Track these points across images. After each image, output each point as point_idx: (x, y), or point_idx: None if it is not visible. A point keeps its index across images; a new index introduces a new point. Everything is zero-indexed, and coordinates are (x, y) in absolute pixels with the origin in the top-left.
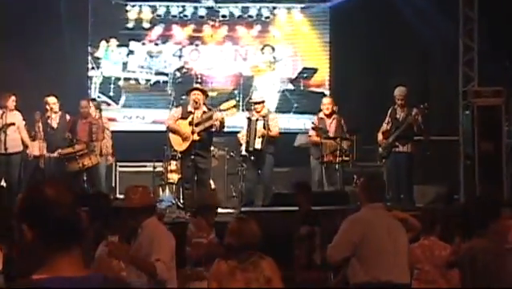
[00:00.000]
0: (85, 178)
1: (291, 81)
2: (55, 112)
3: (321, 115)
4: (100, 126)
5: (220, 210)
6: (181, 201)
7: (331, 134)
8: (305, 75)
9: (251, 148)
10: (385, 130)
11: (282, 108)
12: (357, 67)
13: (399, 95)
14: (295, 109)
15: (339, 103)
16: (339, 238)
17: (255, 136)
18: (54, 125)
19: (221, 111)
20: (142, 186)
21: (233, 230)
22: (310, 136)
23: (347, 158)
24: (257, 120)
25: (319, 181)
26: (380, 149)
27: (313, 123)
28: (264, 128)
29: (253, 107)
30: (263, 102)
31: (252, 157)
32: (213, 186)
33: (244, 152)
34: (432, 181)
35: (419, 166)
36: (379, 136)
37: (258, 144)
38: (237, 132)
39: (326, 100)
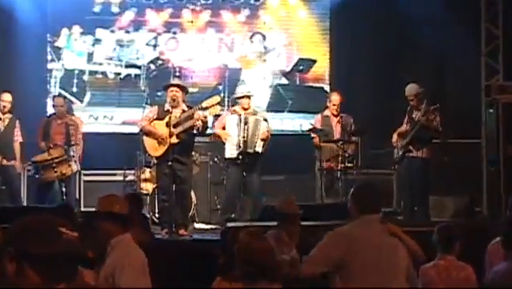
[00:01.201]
0: (64, 189)
1: (285, 74)
2: (5, 113)
3: (326, 112)
4: (77, 127)
5: (201, 226)
6: (157, 215)
7: (337, 136)
8: (301, 67)
9: (250, 150)
10: (403, 131)
11: (275, 106)
12: (362, 59)
13: (409, 95)
14: (290, 107)
15: (341, 102)
16: (316, 250)
17: (257, 136)
18: (1, 128)
19: (203, 109)
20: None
21: (245, 248)
22: (313, 138)
23: (350, 164)
24: (259, 119)
25: (320, 192)
26: (395, 152)
27: (311, 124)
28: (266, 129)
29: (239, 103)
30: (250, 96)
31: (241, 161)
32: (193, 198)
33: (231, 155)
34: (450, 191)
35: (435, 174)
36: (394, 137)
37: (259, 147)
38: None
39: (335, 97)
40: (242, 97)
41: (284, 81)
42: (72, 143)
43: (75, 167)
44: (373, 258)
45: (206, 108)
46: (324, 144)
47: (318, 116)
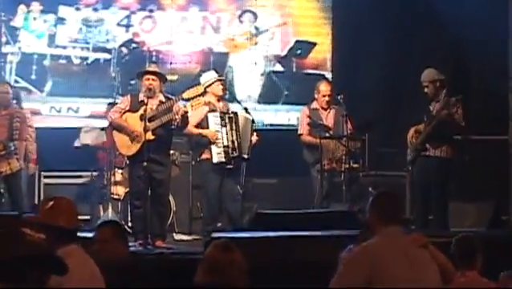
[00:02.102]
0: (1, 190)
1: (280, 60)
2: None
3: (314, 105)
4: (25, 120)
5: (182, 237)
6: (130, 224)
7: (334, 132)
8: (299, 51)
9: (246, 155)
10: (420, 127)
11: (267, 97)
12: (370, 41)
13: (425, 81)
14: (285, 98)
15: (345, 91)
16: (342, 272)
17: (248, 141)
18: None
19: (184, 100)
20: (61, 198)
21: (213, 264)
22: (301, 134)
23: (356, 165)
24: (248, 119)
25: (320, 197)
26: (409, 152)
27: (309, 117)
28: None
29: (209, 92)
30: (222, 80)
31: (234, 166)
32: (172, 204)
33: (219, 159)
34: (472, 197)
35: (455, 176)
36: (410, 132)
37: (248, 152)
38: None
39: (324, 86)
40: (213, 83)
41: (279, 68)
42: (16, 137)
43: (18, 165)
44: (403, 276)
45: (187, 100)
46: (324, 142)
47: (305, 110)
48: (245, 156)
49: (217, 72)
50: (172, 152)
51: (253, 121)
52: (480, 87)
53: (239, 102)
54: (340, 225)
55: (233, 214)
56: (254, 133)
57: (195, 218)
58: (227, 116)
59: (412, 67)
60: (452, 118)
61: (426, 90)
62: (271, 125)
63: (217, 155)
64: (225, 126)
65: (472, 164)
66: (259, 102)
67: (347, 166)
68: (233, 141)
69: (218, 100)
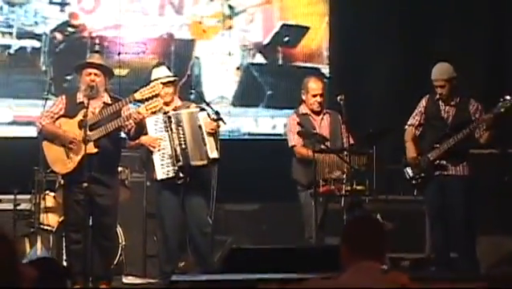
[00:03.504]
0: None
1: (262, 49)
2: None
3: (303, 110)
4: None
5: (132, 280)
6: (65, 263)
7: (329, 145)
8: (286, 38)
9: (201, 162)
10: (414, 137)
11: (245, 98)
12: (379, 27)
13: (438, 80)
14: (269, 100)
15: (346, 91)
16: None
17: (202, 137)
18: None
19: (136, 102)
20: None
21: None
22: (294, 145)
23: (360, 187)
24: (192, 112)
25: (313, 228)
26: (409, 171)
27: (300, 124)
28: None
29: (156, 94)
30: (175, 82)
31: (184, 181)
32: (121, 237)
33: (165, 174)
34: (509, 228)
35: (487, 200)
36: (411, 149)
37: (213, 151)
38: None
39: (313, 83)
40: (164, 84)
41: (260, 59)
42: None
43: None
44: None
45: (141, 101)
46: (319, 156)
47: (293, 116)
48: (200, 163)
49: (168, 69)
50: (120, 169)
51: (202, 110)
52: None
53: (208, 104)
54: (339, 264)
55: (200, 251)
56: (209, 121)
57: (150, 256)
58: (170, 115)
59: (431, 64)
60: (479, 123)
61: (440, 90)
62: (250, 134)
63: (161, 169)
64: (170, 131)
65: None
66: (235, 104)
67: (349, 188)
68: (179, 146)
69: (167, 104)
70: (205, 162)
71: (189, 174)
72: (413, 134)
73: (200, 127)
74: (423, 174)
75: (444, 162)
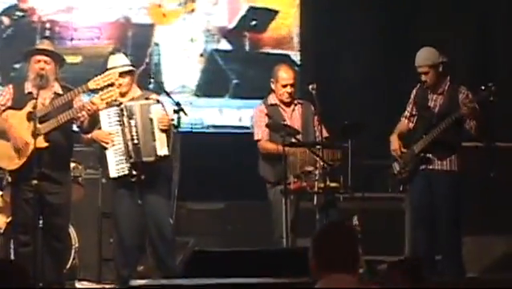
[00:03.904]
0: None
1: (227, 35)
2: None
3: (272, 100)
4: None
5: (87, 285)
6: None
7: (301, 138)
8: (253, 22)
9: (149, 158)
10: (405, 128)
11: (209, 88)
12: (353, 13)
13: (422, 66)
14: (235, 89)
15: (318, 79)
16: None
17: (152, 132)
18: None
19: (90, 92)
20: None
21: None
22: (259, 139)
23: (334, 184)
24: (146, 104)
25: (283, 229)
26: (396, 166)
27: (268, 116)
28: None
29: (111, 83)
30: (133, 72)
31: (137, 178)
32: (74, 239)
33: (119, 172)
34: (499, 228)
35: (473, 199)
36: (394, 142)
37: (163, 148)
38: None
39: (284, 72)
40: (120, 74)
41: (225, 45)
42: None
43: None
44: None
45: (96, 91)
46: (290, 151)
47: (261, 107)
48: (149, 159)
49: (126, 56)
50: (73, 165)
51: (158, 101)
52: (508, 78)
53: (168, 94)
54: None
55: (160, 254)
56: (162, 115)
57: (106, 259)
58: (123, 107)
59: (413, 51)
60: (467, 114)
61: (424, 78)
62: (214, 127)
63: (114, 166)
64: (121, 122)
65: (499, 182)
66: (197, 94)
67: (322, 185)
68: (131, 141)
69: (123, 95)
70: (152, 159)
71: (143, 171)
72: (406, 126)
73: (151, 120)
74: (407, 168)
75: (430, 155)
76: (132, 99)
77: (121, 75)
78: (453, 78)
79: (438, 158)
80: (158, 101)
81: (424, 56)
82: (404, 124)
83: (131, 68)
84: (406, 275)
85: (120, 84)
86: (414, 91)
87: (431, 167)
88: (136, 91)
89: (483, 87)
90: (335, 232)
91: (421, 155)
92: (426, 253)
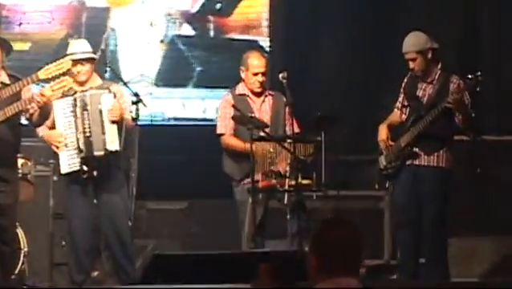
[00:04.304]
0: None
1: (190, 19)
2: None
3: (241, 89)
4: None
5: None
6: None
7: (270, 132)
8: (218, 5)
9: (99, 152)
10: (396, 121)
11: (171, 77)
12: None
13: (409, 52)
14: (199, 78)
15: (289, 67)
16: None
17: (102, 124)
18: None
19: (40, 82)
20: None
21: None
22: (222, 134)
23: (307, 181)
24: (97, 94)
25: (250, 230)
26: (382, 160)
27: (234, 107)
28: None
29: (68, 72)
30: (93, 59)
31: (89, 174)
32: (22, 242)
33: (70, 167)
34: (486, 229)
35: (459, 197)
36: (382, 133)
37: (112, 142)
38: None
39: (255, 59)
40: (76, 61)
41: (188, 31)
42: None
43: None
44: None
45: (47, 80)
46: (257, 145)
47: (228, 98)
48: (99, 153)
49: (89, 43)
50: (21, 162)
51: (115, 96)
52: (496, 66)
53: (126, 84)
54: (282, 274)
55: (117, 258)
56: (112, 106)
57: (58, 264)
58: (77, 97)
59: (395, 37)
60: (463, 107)
61: (412, 65)
62: (176, 120)
63: (66, 161)
64: (74, 114)
65: (486, 180)
66: (157, 84)
67: (294, 183)
68: (83, 134)
69: (82, 84)
70: (101, 153)
71: (96, 167)
72: (398, 117)
73: (100, 111)
74: (393, 163)
75: (417, 150)
76: (91, 89)
77: (81, 62)
78: (444, 66)
79: (425, 153)
80: (111, 92)
81: (411, 42)
82: (397, 115)
83: (91, 55)
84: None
85: (79, 72)
86: (405, 80)
87: (417, 162)
88: (96, 81)
89: (470, 76)
90: (342, 228)
91: (408, 149)
92: (410, 256)
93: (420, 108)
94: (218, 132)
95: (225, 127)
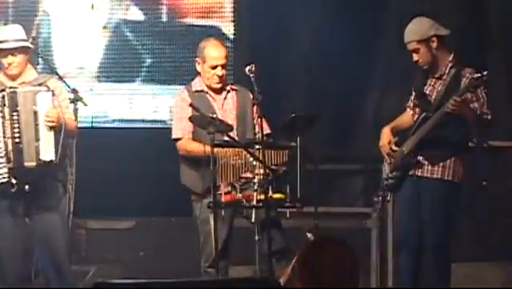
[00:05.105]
0: None
1: (138, 1)
2: None
3: (198, 85)
4: None
5: None
6: None
7: (235, 136)
8: None
9: (30, 163)
10: (407, 121)
11: (116, 70)
12: None
13: (410, 41)
14: (149, 72)
15: (258, 59)
16: None
17: (36, 128)
18: None
19: None
20: None
21: None
22: (178, 138)
23: (279, 195)
24: (33, 91)
25: (211, 254)
26: (386, 169)
27: (192, 106)
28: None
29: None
30: (26, 50)
31: (17, 188)
32: None
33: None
34: (494, 252)
35: (467, 214)
36: (384, 135)
37: (48, 151)
38: None
39: (213, 49)
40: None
41: (136, 15)
42: None
43: None
44: None
45: None
46: (221, 152)
47: (183, 95)
48: (30, 164)
49: (25, 29)
50: None
51: (51, 91)
52: (506, 63)
53: (61, 78)
54: None
55: (52, 286)
56: (53, 107)
57: None
58: (6, 94)
59: (384, 25)
60: (467, 110)
61: (415, 57)
62: (122, 121)
63: None
64: (3, 117)
65: (494, 194)
66: (99, 79)
67: (263, 197)
68: (12, 140)
69: (13, 79)
70: (33, 164)
71: (27, 180)
72: (409, 118)
73: (35, 113)
74: (395, 173)
75: (421, 158)
76: (24, 85)
77: (12, 52)
78: (458, 57)
79: (429, 162)
80: (49, 89)
81: (412, 29)
82: (408, 115)
83: (25, 44)
84: None
85: (10, 64)
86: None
87: (419, 173)
88: (31, 74)
89: (476, 76)
90: (332, 247)
91: (411, 156)
92: (406, 279)
93: (427, 108)
94: (174, 136)
95: (181, 130)
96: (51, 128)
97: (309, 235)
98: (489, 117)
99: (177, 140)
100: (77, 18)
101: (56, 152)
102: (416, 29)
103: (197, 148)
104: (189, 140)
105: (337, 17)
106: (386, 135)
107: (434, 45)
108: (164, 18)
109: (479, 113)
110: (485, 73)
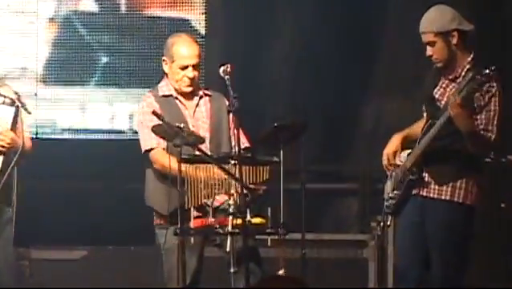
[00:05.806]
0: None
1: None
2: None
3: (165, 89)
4: None
5: None
6: None
7: (208, 149)
8: None
9: None
10: (415, 133)
11: (64, 72)
12: None
13: (426, 32)
14: (104, 73)
15: (234, 58)
16: None
17: None
18: None
19: None
20: None
21: None
22: (150, 149)
23: (258, 220)
24: None
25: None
26: (388, 186)
27: (154, 112)
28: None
29: None
30: None
31: None
32: None
33: None
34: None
35: (481, 241)
36: (390, 144)
37: None
38: None
39: (184, 48)
40: None
41: (89, 5)
42: None
43: None
44: None
45: None
46: (191, 169)
47: (149, 100)
48: None
49: None
50: None
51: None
52: None
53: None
54: None
55: None
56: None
57: None
58: None
59: (390, 20)
60: (468, 118)
61: (429, 51)
62: (72, 132)
63: None
64: None
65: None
66: (45, 81)
67: (240, 222)
68: None
69: None
70: None
71: None
72: (409, 133)
73: None
74: (396, 192)
75: (426, 175)
76: None
77: None
78: (478, 58)
79: (436, 180)
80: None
81: (430, 18)
82: (422, 122)
83: None
84: None
85: None
86: (428, 80)
87: (424, 193)
88: None
89: (484, 72)
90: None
91: (415, 172)
92: None
93: (434, 114)
94: (146, 147)
95: (154, 138)
96: (1, 152)
97: (281, 272)
98: (493, 136)
99: (149, 150)
100: (18, 9)
101: (3, 173)
102: (436, 18)
103: (164, 162)
104: (162, 151)
105: (325, 10)
106: (394, 143)
107: (454, 40)
108: (123, 9)
109: (482, 128)
110: (493, 68)
